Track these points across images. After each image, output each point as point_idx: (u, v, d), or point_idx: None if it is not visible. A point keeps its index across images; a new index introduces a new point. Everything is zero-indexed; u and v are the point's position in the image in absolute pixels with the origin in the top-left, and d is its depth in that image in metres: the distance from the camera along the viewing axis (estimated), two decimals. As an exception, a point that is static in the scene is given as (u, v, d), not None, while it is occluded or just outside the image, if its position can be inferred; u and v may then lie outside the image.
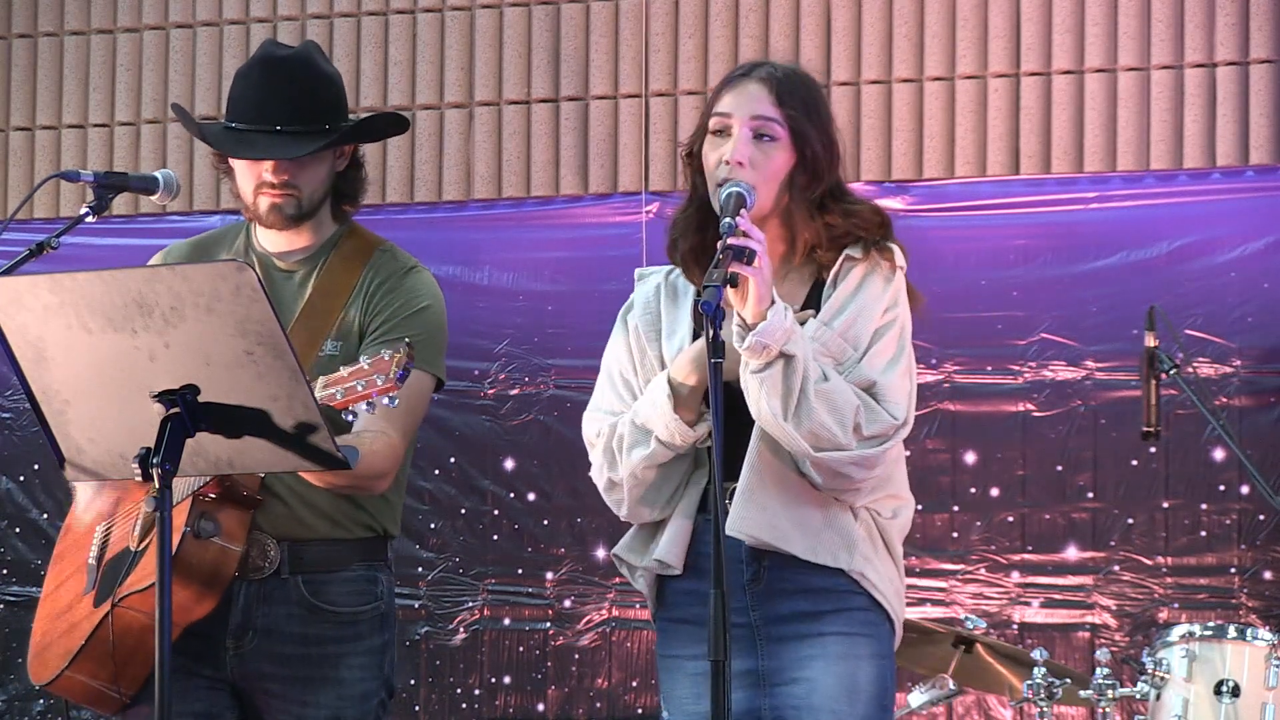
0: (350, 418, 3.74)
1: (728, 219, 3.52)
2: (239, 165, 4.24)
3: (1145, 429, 5.78)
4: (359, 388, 3.67)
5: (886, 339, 3.69)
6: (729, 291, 3.45)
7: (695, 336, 3.72)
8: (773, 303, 3.54)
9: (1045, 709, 5.52)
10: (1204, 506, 6.91)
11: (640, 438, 3.66)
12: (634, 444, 3.67)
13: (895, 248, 3.75)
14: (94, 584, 4.12)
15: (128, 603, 3.96)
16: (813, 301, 3.75)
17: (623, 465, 3.70)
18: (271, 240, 4.28)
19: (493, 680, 7.37)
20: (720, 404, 3.33)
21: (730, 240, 3.47)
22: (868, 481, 3.66)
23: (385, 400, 3.69)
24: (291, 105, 4.18)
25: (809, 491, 3.67)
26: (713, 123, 3.73)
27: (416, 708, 7.38)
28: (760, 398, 3.56)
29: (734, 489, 3.66)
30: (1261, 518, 6.84)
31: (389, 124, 4.44)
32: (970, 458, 7.07)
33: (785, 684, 3.70)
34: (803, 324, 3.64)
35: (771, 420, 3.57)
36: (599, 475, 3.78)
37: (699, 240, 3.78)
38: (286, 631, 4.15)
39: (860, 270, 3.72)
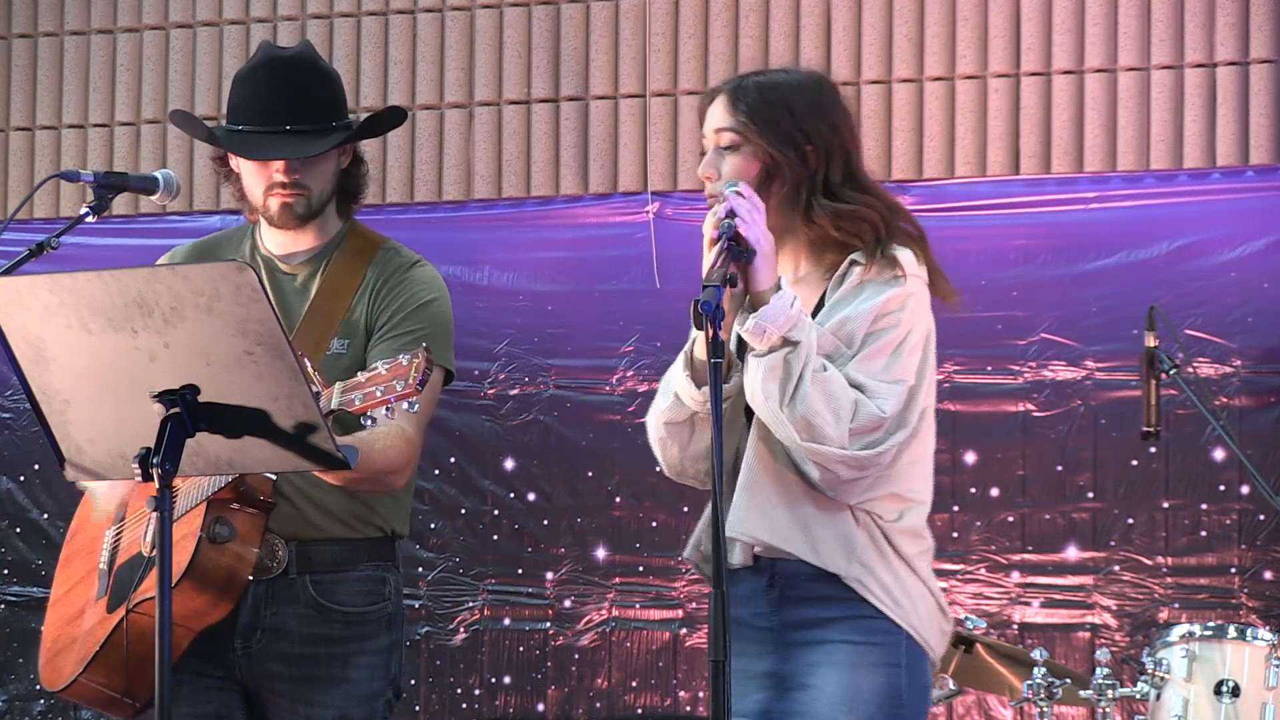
0: (368, 422, 3.71)
1: (728, 205, 3.57)
2: (247, 168, 4.23)
3: (1145, 429, 5.78)
4: (377, 393, 3.63)
5: (882, 343, 3.67)
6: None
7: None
8: (778, 289, 3.57)
9: (1045, 709, 5.52)
10: (1204, 506, 6.91)
11: (665, 388, 3.73)
12: (661, 393, 3.74)
13: (902, 255, 3.75)
14: (106, 589, 4.13)
15: (141, 609, 3.96)
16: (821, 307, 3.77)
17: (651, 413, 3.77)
18: (277, 242, 4.28)
19: (493, 680, 7.37)
20: (720, 404, 3.35)
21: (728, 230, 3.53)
22: (860, 482, 3.66)
23: (404, 405, 3.66)
24: (298, 105, 4.20)
25: (808, 492, 3.68)
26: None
27: (416, 708, 7.38)
28: (757, 381, 3.57)
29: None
30: (1261, 518, 6.84)
31: (392, 119, 4.45)
32: (970, 458, 7.07)
33: (795, 688, 3.72)
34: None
35: (764, 404, 3.58)
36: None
37: None
38: (294, 631, 4.16)
39: (858, 276, 3.72)
